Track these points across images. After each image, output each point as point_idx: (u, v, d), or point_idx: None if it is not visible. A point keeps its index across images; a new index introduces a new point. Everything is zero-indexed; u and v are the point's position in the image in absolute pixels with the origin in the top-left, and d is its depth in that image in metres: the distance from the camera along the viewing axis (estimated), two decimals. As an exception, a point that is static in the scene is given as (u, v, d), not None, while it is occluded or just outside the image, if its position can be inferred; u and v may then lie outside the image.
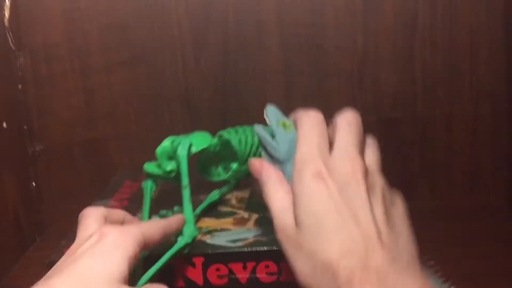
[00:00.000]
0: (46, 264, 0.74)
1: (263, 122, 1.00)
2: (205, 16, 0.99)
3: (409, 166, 1.01)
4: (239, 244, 0.73)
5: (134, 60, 1.00)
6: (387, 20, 0.97)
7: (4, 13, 0.97)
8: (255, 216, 0.80)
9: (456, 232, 0.88)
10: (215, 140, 0.79)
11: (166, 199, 0.88)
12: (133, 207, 0.87)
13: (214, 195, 0.83)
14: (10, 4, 0.97)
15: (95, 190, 1.00)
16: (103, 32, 1.00)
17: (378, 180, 0.55)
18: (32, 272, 0.89)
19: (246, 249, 0.71)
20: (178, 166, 0.75)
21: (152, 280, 0.63)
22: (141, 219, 0.81)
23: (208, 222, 0.80)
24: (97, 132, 1.02)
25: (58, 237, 0.85)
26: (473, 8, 0.96)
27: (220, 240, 0.74)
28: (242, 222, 0.78)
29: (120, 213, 0.67)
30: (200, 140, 0.77)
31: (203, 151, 0.77)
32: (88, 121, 1.02)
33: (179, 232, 0.70)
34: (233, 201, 0.84)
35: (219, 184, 0.84)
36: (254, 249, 0.71)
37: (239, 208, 0.82)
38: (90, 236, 0.58)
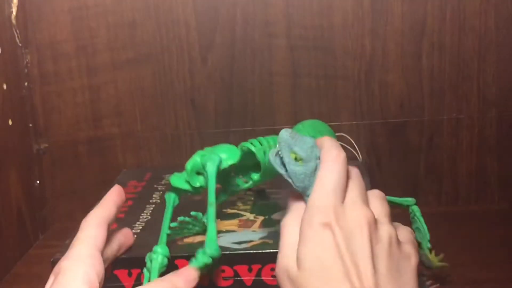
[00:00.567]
0: (50, 263, 0.74)
1: (267, 122, 1.00)
2: (213, 16, 0.98)
3: (415, 171, 1.00)
4: (245, 246, 0.72)
5: (140, 59, 1.00)
6: (395, 23, 0.97)
7: (12, 10, 0.96)
8: (260, 218, 0.79)
9: (463, 237, 0.87)
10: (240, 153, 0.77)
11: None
12: (137, 207, 0.86)
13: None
14: (18, 1, 0.97)
15: (99, 189, 0.99)
16: (109, 30, 0.99)
17: (386, 232, 0.54)
18: (35, 269, 0.89)
19: (251, 251, 0.71)
20: (206, 182, 0.74)
21: None
22: (148, 222, 0.81)
23: (213, 223, 0.79)
24: (102, 130, 1.02)
25: (62, 236, 0.85)
26: (481, 13, 0.96)
27: (225, 241, 0.74)
28: (247, 224, 0.77)
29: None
30: (229, 156, 0.75)
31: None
32: (94, 119, 1.02)
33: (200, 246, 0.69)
34: (239, 203, 0.84)
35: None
36: (259, 251, 0.71)
37: (244, 210, 0.82)
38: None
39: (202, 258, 0.66)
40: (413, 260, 0.55)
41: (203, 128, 1.02)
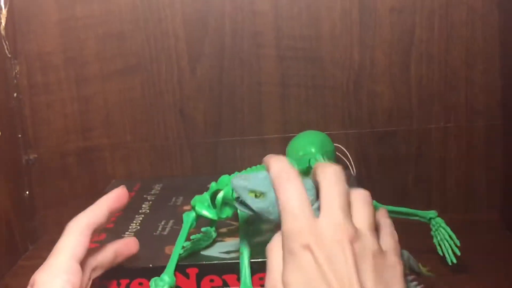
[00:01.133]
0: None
1: (256, 132, 1.00)
2: (201, 27, 0.99)
3: (404, 180, 1.01)
4: (233, 255, 0.72)
5: (129, 69, 1.00)
6: (383, 34, 0.97)
7: (0, 21, 0.96)
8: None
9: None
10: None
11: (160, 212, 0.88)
12: (127, 217, 0.86)
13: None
14: (7, 12, 0.97)
15: (88, 200, 0.98)
16: (98, 41, 1.00)
17: (369, 244, 0.53)
18: (24, 280, 0.88)
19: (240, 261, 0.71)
20: (233, 212, 0.74)
21: None
22: (137, 231, 0.81)
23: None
24: (92, 141, 1.02)
25: (51, 247, 0.84)
26: (469, 23, 0.96)
27: (214, 251, 0.74)
28: (236, 233, 0.77)
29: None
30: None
31: None
32: (83, 130, 1.02)
33: None
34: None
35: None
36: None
37: (232, 220, 0.82)
38: None
39: None
40: (398, 268, 0.54)
41: (192, 138, 1.02)
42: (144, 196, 0.93)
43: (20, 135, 1.01)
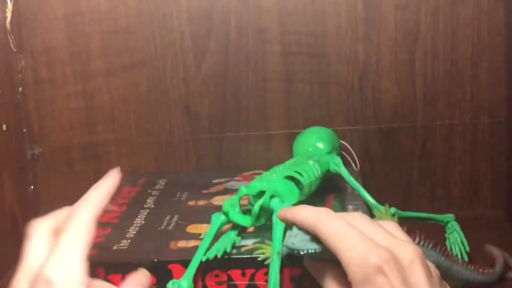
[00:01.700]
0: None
1: (261, 128, 1.00)
2: (207, 22, 0.99)
3: (408, 177, 1.01)
4: (238, 250, 0.72)
5: (134, 65, 1.00)
6: (388, 30, 0.97)
7: (6, 15, 0.97)
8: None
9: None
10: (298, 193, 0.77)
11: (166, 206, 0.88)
12: (131, 212, 0.87)
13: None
14: (12, 7, 0.97)
15: (93, 195, 1.00)
16: (104, 37, 1.00)
17: (433, 267, 0.53)
18: (29, 275, 0.89)
19: (245, 256, 0.71)
20: (267, 220, 0.74)
21: None
22: (142, 226, 0.81)
23: (207, 228, 0.79)
24: (97, 136, 1.02)
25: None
26: (474, 20, 0.96)
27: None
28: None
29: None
30: (290, 194, 0.75)
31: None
32: (88, 125, 1.02)
33: None
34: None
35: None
36: (253, 256, 0.71)
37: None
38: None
39: None
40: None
41: (197, 134, 1.02)
42: (149, 191, 0.94)
43: (25, 130, 1.01)
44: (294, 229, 0.56)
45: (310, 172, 0.78)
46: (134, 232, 0.80)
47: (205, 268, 0.71)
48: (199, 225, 0.81)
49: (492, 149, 0.99)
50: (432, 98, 0.98)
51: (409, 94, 0.99)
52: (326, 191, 0.86)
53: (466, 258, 0.82)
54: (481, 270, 0.73)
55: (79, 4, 0.99)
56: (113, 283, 0.72)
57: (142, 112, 1.01)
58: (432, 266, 0.53)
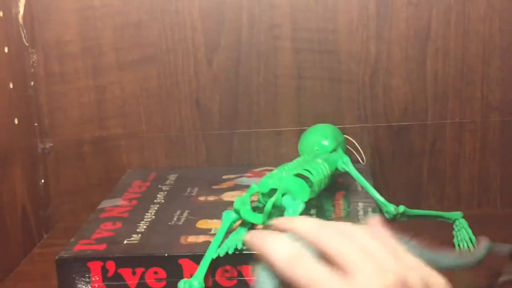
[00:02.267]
0: (54, 262, 0.74)
1: (272, 124, 1.01)
2: (218, 18, 0.99)
3: (418, 174, 1.01)
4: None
5: (146, 60, 1.00)
6: (400, 28, 0.97)
7: (19, 10, 0.97)
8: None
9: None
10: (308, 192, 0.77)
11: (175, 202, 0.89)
12: (142, 206, 0.87)
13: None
14: (25, 1, 0.97)
15: (103, 189, 1.00)
16: (116, 31, 1.00)
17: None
18: (39, 268, 0.90)
19: (255, 252, 0.71)
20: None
21: None
22: (152, 221, 0.82)
23: (217, 224, 0.80)
24: (107, 131, 1.03)
25: (65, 235, 0.85)
26: (486, 18, 0.96)
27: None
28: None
29: None
30: (301, 192, 0.74)
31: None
32: (99, 119, 1.02)
33: None
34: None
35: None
36: None
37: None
38: None
39: None
40: None
41: (207, 129, 1.02)
42: (159, 186, 0.94)
43: (36, 124, 1.01)
44: (262, 272, 0.49)
45: (320, 170, 0.78)
46: (145, 227, 0.81)
47: (215, 263, 0.72)
48: (209, 221, 0.81)
49: (502, 148, 0.99)
50: (443, 96, 0.98)
51: (419, 91, 0.99)
52: (335, 189, 0.86)
53: None
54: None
55: (91, -1, 0.99)
56: (124, 277, 0.73)
57: (152, 107, 1.02)
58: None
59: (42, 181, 1.02)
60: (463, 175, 1.00)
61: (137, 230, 0.80)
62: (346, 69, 0.99)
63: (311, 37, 0.98)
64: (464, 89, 0.98)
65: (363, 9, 0.97)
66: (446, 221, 0.86)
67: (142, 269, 0.73)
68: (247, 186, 0.81)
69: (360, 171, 0.85)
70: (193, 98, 1.01)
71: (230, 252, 0.71)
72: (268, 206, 0.71)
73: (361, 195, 0.86)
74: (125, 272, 0.73)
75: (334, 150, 0.87)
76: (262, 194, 0.74)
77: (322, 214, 0.80)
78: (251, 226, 0.75)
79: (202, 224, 0.81)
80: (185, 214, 0.84)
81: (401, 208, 0.81)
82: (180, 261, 0.73)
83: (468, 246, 0.84)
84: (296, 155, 0.89)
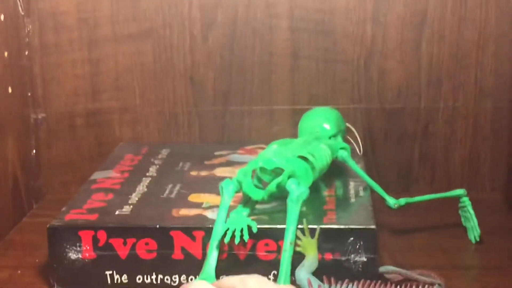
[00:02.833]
0: (46, 230, 0.74)
1: (265, 102, 1.01)
2: (215, -5, 0.99)
3: (409, 157, 1.01)
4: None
5: (141, 34, 1.00)
6: (396, 10, 0.97)
7: (15, -22, 0.96)
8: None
9: (453, 224, 0.88)
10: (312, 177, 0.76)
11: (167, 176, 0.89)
12: (134, 179, 0.87)
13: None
14: (22, -30, 0.97)
15: (95, 162, 1.00)
16: (112, 4, 0.99)
17: None
18: (29, 237, 0.90)
19: (300, 226, 0.70)
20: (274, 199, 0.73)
21: None
22: (144, 194, 0.82)
23: (209, 198, 0.80)
24: (101, 104, 1.02)
25: (55, 206, 0.85)
26: (482, 5, 0.97)
27: None
28: (241, 201, 0.77)
29: None
30: (306, 178, 0.73)
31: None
32: (92, 92, 1.02)
33: None
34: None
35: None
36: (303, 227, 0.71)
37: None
38: None
39: None
40: None
41: (201, 105, 1.02)
42: (152, 160, 0.94)
43: (29, 94, 1.01)
44: None
45: (323, 157, 0.78)
46: (137, 199, 0.81)
47: (256, 236, 0.71)
48: (201, 194, 0.81)
49: (494, 134, 0.99)
50: (437, 80, 0.99)
51: (414, 75, 0.99)
52: (329, 169, 0.86)
53: (478, 239, 0.84)
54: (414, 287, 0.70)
55: (89, -30, 0.99)
56: (115, 247, 0.73)
57: (147, 82, 1.02)
58: None
59: (34, 151, 1.02)
60: (454, 160, 1.01)
61: (129, 201, 0.80)
62: (342, 50, 0.99)
63: (308, 17, 0.98)
64: (458, 74, 0.98)
65: (360, -10, 0.97)
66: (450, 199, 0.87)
67: (133, 240, 0.73)
68: (239, 163, 0.82)
69: (353, 158, 0.85)
70: (188, 74, 1.01)
71: (236, 242, 0.70)
72: (272, 185, 0.71)
73: (352, 174, 0.86)
74: (116, 242, 0.73)
75: (334, 136, 0.87)
76: (261, 169, 0.73)
77: (315, 193, 0.80)
78: (252, 207, 0.75)
79: (194, 197, 0.81)
80: (177, 187, 0.84)
81: (402, 201, 0.82)
82: (172, 233, 0.73)
83: (473, 230, 0.85)
84: (289, 134, 0.89)
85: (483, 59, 0.98)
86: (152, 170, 0.90)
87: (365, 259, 0.71)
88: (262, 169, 0.72)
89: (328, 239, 0.71)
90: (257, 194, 0.72)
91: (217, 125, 1.02)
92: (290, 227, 0.68)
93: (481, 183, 1.01)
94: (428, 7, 0.97)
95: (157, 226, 0.73)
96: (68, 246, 0.74)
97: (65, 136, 1.03)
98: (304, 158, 0.75)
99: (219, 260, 0.70)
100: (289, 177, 0.71)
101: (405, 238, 0.87)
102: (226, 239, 0.70)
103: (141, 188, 0.84)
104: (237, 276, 0.50)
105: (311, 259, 0.70)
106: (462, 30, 0.97)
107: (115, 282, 0.74)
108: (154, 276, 0.74)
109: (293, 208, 0.69)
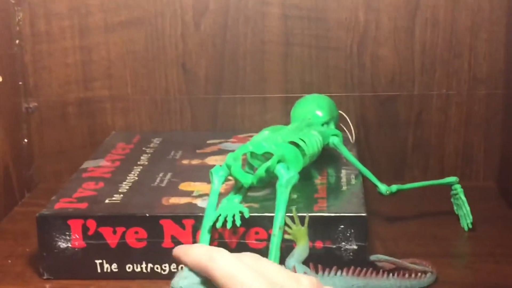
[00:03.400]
0: (36, 218, 0.74)
1: (258, 90, 1.00)
2: (207, -18, 0.98)
3: (402, 145, 1.00)
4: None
5: (133, 22, 1.00)
6: (390, -3, 0.97)
7: (5, -34, 0.96)
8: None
9: (446, 212, 0.88)
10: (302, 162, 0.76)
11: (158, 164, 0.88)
12: (125, 168, 0.87)
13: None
14: (12, -43, 0.96)
15: (86, 151, 1.00)
16: (104, -8, 0.99)
17: None
18: (20, 226, 0.90)
19: (288, 215, 0.70)
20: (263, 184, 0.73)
21: None
22: (135, 182, 0.81)
23: (200, 186, 0.80)
24: (92, 92, 1.02)
25: (47, 195, 0.85)
26: (476, -9, 0.96)
27: None
28: (233, 188, 0.77)
29: None
30: (296, 162, 0.73)
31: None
32: (84, 80, 1.01)
33: None
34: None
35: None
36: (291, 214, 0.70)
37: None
38: None
39: None
40: None
41: (193, 93, 1.01)
42: (143, 148, 0.94)
43: (20, 83, 1.00)
44: (185, 270, 0.51)
45: (314, 143, 0.77)
46: (127, 188, 0.81)
47: (246, 224, 0.71)
48: (192, 183, 0.81)
49: (488, 121, 0.99)
50: (430, 67, 0.98)
51: (407, 62, 0.98)
52: (320, 157, 0.85)
53: (470, 226, 0.84)
54: (406, 275, 0.70)
55: (80, -42, 0.98)
56: (104, 236, 0.73)
57: (138, 70, 1.01)
58: None
59: (25, 140, 1.02)
60: (448, 147, 1.00)
61: (119, 190, 0.80)
62: (334, 37, 0.98)
63: (300, 4, 0.98)
64: (451, 61, 0.98)
65: (353, -23, 0.97)
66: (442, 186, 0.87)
67: (123, 229, 0.73)
68: (231, 151, 0.81)
69: (344, 139, 0.85)
70: (180, 62, 1.01)
71: (228, 227, 0.70)
72: (261, 170, 0.70)
73: (344, 162, 0.86)
74: (106, 231, 0.73)
75: (327, 123, 0.87)
76: (252, 155, 0.73)
77: (306, 180, 0.79)
78: (244, 194, 0.74)
79: (185, 186, 0.80)
80: (168, 176, 0.84)
81: (394, 188, 0.81)
82: (162, 221, 0.73)
83: (465, 217, 0.84)
84: (281, 122, 0.89)
85: (477, 45, 0.97)
86: (144, 159, 0.90)
87: (355, 247, 0.71)
88: (253, 154, 0.72)
89: (319, 227, 0.71)
90: (246, 178, 0.71)
91: (209, 113, 1.02)
92: (279, 212, 0.68)
93: (475, 171, 1.00)
94: (422, -7, 0.97)
95: (147, 215, 0.73)
96: (57, 235, 0.73)
97: (57, 125, 1.03)
98: (295, 144, 0.75)
99: (209, 249, 0.70)
100: (279, 161, 0.70)
101: (397, 226, 0.86)
102: (218, 224, 0.69)
103: (132, 176, 0.84)
104: (233, 254, 0.50)
105: (302, 247, 0.70)
106: (455, 16, 0.97)
107: (105, 270, 0.74)
108: (144, 265, 0.74)
109: (282, 192, 0.68)
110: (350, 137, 0.93)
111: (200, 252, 0.50)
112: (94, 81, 1.02)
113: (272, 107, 1.01)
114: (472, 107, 0.99)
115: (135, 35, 1.00)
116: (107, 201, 0.77)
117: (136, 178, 0.83)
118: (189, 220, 0.72)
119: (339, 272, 0.67)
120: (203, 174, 0.82)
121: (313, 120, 0.86)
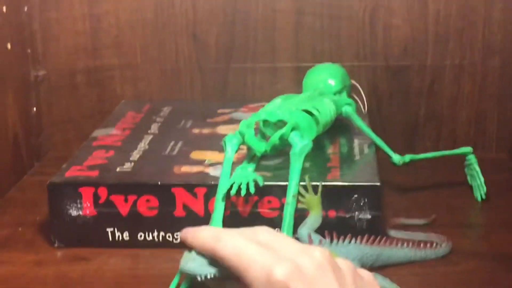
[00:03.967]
0: (46, 186, 0.73)
1: (268, 60, 0.99)
2: (218, -51, 0.97)
3: (415, 115, 1.00)
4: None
5: (143, -11, 0.99)
6: (403, -35, 0.96)
7: None
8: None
9: (459, 183, 0.87)
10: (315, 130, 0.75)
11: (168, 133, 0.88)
12: (135, 136, 0.86)
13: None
14: None
15: (96, 120, 0.99)
16: (113, -41, 0.98)
17: (346, 266, 0.48)
18: (30, 195, 0.89)
19: (303, 183, 0.70)
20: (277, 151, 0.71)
21: None
22: (145, 151, 0.81)
23: (211, 155, 0.79)
24: (101, 61, 1.01)
25: (56, 164, 0.84)
26: (490, -40, 0.95)
27: None
28: (245, 157, 0.76)
29: None
30: (309, 131, 0.72)
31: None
32: (93, 49, 1.00)
33: None
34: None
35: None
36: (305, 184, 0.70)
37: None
38: None
39: None
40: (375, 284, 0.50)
41: (203, 63, 1.00)
42: (153, 117, 0.93)
43: (29, 51, 0.99)
44: (193, 252, 0.50)
45: (327, 111, 0.77)
46: (138, 156, 0.80)
47: (259, 193, 0.70)
48: (203, 152, 0.80)
49: (501, 92, 0.98)
50: (444, 37, 0.97)
51: (420, 32, 0.97)
52: (332, 127, 0.84)
53: (484, 197, 0.84)
54: (422, 245, 0.70)
55: None
56: (116, 204, 0.72)
57: (148, 38, 1.00)
58: (345, 264, 0.48)
59: (34, 109, 1.01)
60: (460, 118, 0.99)
61: (130, 158, 0.79)
62: (347, 6, 0.97)
63: (312, -28, 0.96)
64: (465, 30, 0.97)
65: None
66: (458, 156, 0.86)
67: (135, 197, 0.72)
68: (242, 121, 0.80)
69: (356, 109, 0.84)
70: (190, 31, 0.99)
71: (242, 194, 0.69)
72: (275, 137, 0.69)
73: (357, 132, 0.85)
74: (117, 199, 0.72)
75: (339, 92, 0.86)
76: (265, 123, 0.72)
77: (318, 150, 0.79)
78: (257, 163, 0.73)
79: (196, 155, 0.80)
80: (179, 145, 0.83)
81: (407, 157, 0.81)
82: (173, 190, 0.72)
83: (479, 188, 0.84)
84: (292, 92, 0.87)
85: (491, 15, 0.96)
86: (154, 128, 0.89)
87: (369, 217, 0.71)
88: (265, 123, 0.71)
89: (332, 197, 0.71)
90: (260, 146, 0.70)
91: (219, 82, 1.01)
92: (293, 180, 0.67)
93: (488, 142, 1.00)
94: (436, -38, 0.95)
95: (159, 183, 0.72)
96: (68, 203, 0.73)
97: (66, 94, 1.02)
98: (308, 112, 0.74)
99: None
100: (293, 129, 0.69)
101: (410, 196, 0.86)
102: (232, 192, 0.68)
103: (143, 145, 0.83)
104: (246, 228, 0.49)
105: (314, 216, 0.69)
106: (470, -16, 0.96)
107: (116, 239, 0.73)
108: (155, 233, 0.73)
109: (296, 161, 0.68)
110: (362, 107, 0.92)
111: (208, 234, 0.50)
112: (103, 49, 1.01)
113: (283, 76, 1.00)
114: (485, 77, 0.98)
115: (145, 2, 0.99)
116: (118, 169, 0.76)
117: (147, 146, 0.83)
118: (202, 189, 0.72)
119: (353, 241, 0.67)
120: (214, 143, 0.82)
121: (325, 89, 0.85)
